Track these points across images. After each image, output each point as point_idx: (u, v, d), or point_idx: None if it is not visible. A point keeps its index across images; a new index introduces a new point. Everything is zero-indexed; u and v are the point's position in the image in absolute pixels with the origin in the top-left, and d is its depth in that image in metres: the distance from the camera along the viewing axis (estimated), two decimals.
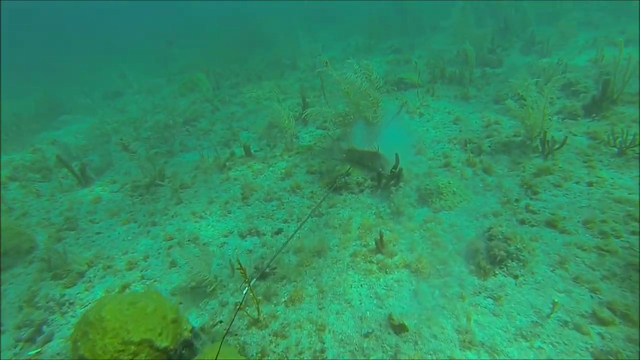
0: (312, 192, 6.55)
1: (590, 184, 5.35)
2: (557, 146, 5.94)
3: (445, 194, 5.34)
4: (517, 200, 5.32)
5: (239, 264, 3.64)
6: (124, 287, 5.13)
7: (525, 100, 6.21)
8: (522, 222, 4.89)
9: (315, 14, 24.12)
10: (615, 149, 5.95)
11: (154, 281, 5.17)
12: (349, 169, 6.50)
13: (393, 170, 5.90)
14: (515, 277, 4.12)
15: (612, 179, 5.39)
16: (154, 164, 8.68)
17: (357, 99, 7.08)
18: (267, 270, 4.77)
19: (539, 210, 5.01)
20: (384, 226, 5.22)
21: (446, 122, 8.00)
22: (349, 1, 23.95)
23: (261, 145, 9.14)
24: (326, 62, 7.01)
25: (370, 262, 4.58)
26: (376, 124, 7.28)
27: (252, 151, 8.77)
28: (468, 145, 6.83)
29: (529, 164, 5.98)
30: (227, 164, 8.12)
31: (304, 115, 8.53)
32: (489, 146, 6.74)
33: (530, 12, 13.43)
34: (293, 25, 21.65)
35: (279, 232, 5.89)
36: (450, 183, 5.40)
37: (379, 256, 4.63)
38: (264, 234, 5.85)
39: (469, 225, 4.99)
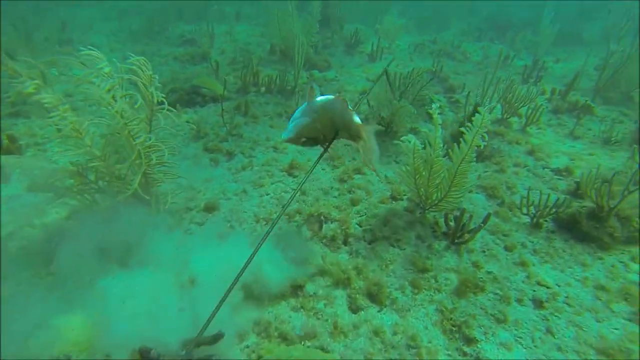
0: None
1: (540, 305, 3.02)
2: (469, 230, 3.43)
3: None
4: None
5: None
6: None
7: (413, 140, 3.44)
8: None
9: None
10: (527, 218, 3.93)
11: None
12: None
13: None
14: None
15: (558, 284, 3.23)
16: None
17: (106, 147, 2.94)
18: None
19: None
20: None
21: (274, 171, 4.70)
22: None
23: None
24: None
25: None
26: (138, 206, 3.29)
27: None
28: (324, 225, 3.70)
29: (441, 271, 3.28)
30: None
31: None
32: (360, 225, 3.79)
33: (348, 7, 11.54)
34: None
35: None
36: None
37: None
38: None
39: None
